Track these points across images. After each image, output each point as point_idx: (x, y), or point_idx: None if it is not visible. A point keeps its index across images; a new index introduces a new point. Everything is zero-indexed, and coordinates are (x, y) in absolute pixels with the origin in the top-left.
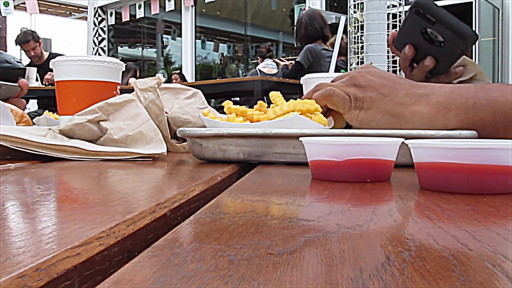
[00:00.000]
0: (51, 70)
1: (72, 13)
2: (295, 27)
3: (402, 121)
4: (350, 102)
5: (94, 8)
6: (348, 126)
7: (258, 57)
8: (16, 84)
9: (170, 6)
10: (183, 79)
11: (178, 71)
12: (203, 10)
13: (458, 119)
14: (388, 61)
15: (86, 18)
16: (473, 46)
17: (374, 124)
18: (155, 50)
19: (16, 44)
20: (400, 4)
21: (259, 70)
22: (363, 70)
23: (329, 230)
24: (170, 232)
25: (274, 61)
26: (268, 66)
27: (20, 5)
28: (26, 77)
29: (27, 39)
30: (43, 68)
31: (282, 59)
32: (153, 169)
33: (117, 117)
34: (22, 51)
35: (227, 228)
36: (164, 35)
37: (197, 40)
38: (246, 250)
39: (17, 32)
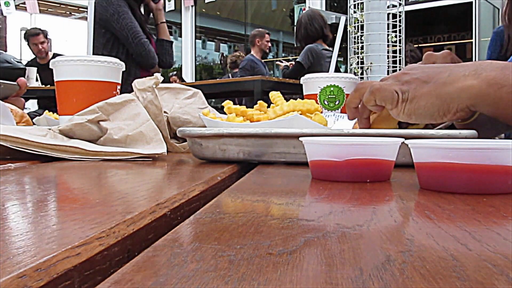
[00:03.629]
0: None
1: (72, 13)
2: (295, 28)
3: (449, 101)
4: (398, 96)
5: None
6: (401, 126)
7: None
8: (15, 83)
9: (170, 6)
10: (181, 79)
11: (175, 72)
12: (203, 10)
13: (510, 97)
14: (388, 61)
15: (86, 18)
16: (473, 45)
17: (420, 112)
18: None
19: (25, 37)
20: (400, 4)
21: None
22: (405, 69)
23: (329, 230)
24: (170, 232)
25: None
26: None
27: (20, 5)
28: (26, 77)
29: (37, 32)
30: (47, 67)
31: (283, 60)
32: (153, 169)
33: (117, 117)
34: (22, 52)
35: (227, 228)
36: None
37: (197, 40)
38: (246, 250)
39: (18, 32)
